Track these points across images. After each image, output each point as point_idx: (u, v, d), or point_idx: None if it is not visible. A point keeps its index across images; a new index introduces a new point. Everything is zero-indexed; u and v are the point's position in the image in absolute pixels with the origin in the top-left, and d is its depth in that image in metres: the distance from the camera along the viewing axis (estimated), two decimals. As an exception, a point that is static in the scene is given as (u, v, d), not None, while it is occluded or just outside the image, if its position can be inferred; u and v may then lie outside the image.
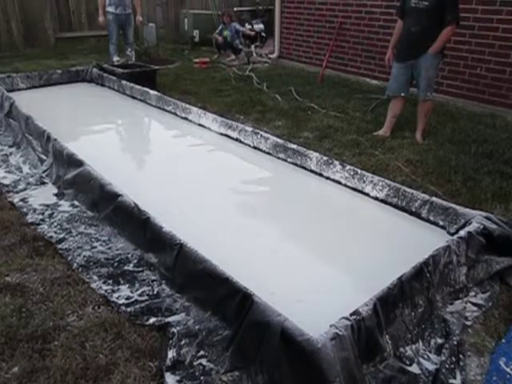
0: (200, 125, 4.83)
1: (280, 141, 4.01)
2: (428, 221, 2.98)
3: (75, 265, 2.57)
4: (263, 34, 10.01)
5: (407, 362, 1.98)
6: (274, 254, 2.68)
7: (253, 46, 9.44)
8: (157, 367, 1.94)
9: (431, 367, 1.97)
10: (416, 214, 3.04)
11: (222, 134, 4.56)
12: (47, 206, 3.19)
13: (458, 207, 2.88)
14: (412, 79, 4.50)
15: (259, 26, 9.98)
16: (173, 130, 4.94)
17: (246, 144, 4.29)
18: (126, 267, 2.55)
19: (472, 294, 2.44)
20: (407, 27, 4.34)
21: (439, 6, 4.06)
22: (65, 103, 5.90)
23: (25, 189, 3.43)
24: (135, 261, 2.59)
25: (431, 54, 4.21)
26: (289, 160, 3.88)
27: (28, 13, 9.17)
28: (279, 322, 1.80)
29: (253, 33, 9.58)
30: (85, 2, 9.79)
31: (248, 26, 9.76)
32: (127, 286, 2.41)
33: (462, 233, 2.53)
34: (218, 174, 3.77)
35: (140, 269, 2.53)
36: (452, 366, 1.98)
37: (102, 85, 6.45)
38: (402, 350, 2.02)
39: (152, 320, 2.18)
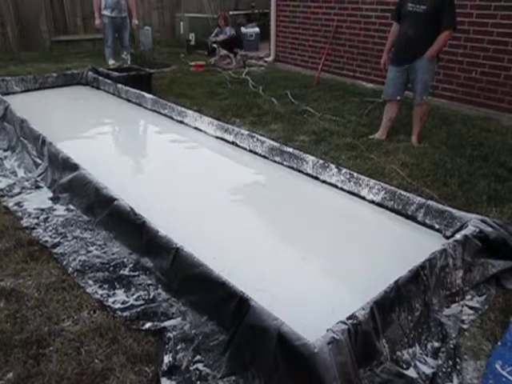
0: (196, 128, 4.83)
1: (276, 144, 4.01)
2: (424, 224, 2.98)
3: (70, 269, 2.55)
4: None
5: (404, 366, 1.98)
6: (271, 256, 2.68)
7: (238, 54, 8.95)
8: (153, 372, 1.93)
9: (428, 371, 1.97)
10: (412, 218, 3.04)
11: (217, 138, 4.55)
12: (42, 210, 3.17)
13: (453, 210, 2.88)
14: (407, 83, 4.51)
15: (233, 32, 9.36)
16: (168, 134, 4.93)
17: (242, 147, 4.28)
18: (121, 271, 2.54)
19: (468, 297, 2.44)
20: (404, 31, 4.35)
21: (436, 11, 4.08)
22: (60, 106, 5.87)
23: (20, 193, 3.41)
24: (131, 265, 2.58)
25: (427, 58, 4.23)
26: (285, 163, 3.88)
27: (23, 16, 9.15)
28: (276, 326, 1.80)
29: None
30: (80, 5, 9.78)
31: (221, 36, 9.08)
32: (123, 290, 2.40)
33: (458, 236, 2.54)
34: (213, 177, 3.76)
35: (136, 273, 2.52)
36: (449, 369, 1.98)
37: (98, 88, 6.44)
38: (398, 353, 2.02)
39: (148, 325, 2.17)
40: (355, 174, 3.42)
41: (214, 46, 8.87)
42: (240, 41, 9.15)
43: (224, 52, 8.70)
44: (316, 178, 3.64)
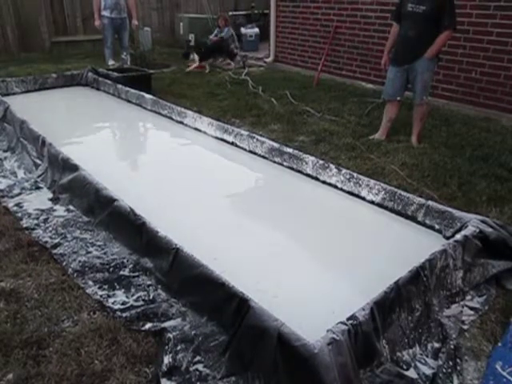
0: (196, 129, 4.82)
1: (276, 145, 4.01)
2: (424, 224, 2.98)
3: (70, 270, 2.55)
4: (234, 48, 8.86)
5: (404, 367, 1.97)
6: (271, 257, 2.67)
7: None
8: (153, 373, 1.92)
9: (428, 372, 1.97)
10: (412, 218, 3.04)
11: (217, 138, 4.55)
12: (42, 210, 3.17)
13: (453, 211, 2.88)
14: (407, 83, 4.51)
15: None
16: (168, 134, 4.93)
17: (242, 148, 4.28)
18: (121, 272, 2.54)
19: (468, 297, 2.44)
20: (403, 31, 4.35)
21: (436, 11, 4.08)
22: (60, 107, 5.88)
23: (19, 193, 3.41)
24: (131, 266, 2.58)
25: (427, 58, 4.23)
26: (285, 164, 3.88)
27: (23, 17, 9.15)
28: (276, 326, 1.80)
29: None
30: (80, 6, 9.78)
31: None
32: (123, 291, 2.40)
33: (458, 236, 2.54)
34: (213, 177, 3.76)
35: (136, 274, 2.52)
36: (449, 370, 1.98)
37: (98, 89, 6.44)
38: (398, 354, 2.01)
39: (148, 325, 2.16)
40: (355, 175, 3.42)
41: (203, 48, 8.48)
42: (228, 47, 8.67)
43: (196, 59, 8.27)
44: (316, 179, 3.64)
